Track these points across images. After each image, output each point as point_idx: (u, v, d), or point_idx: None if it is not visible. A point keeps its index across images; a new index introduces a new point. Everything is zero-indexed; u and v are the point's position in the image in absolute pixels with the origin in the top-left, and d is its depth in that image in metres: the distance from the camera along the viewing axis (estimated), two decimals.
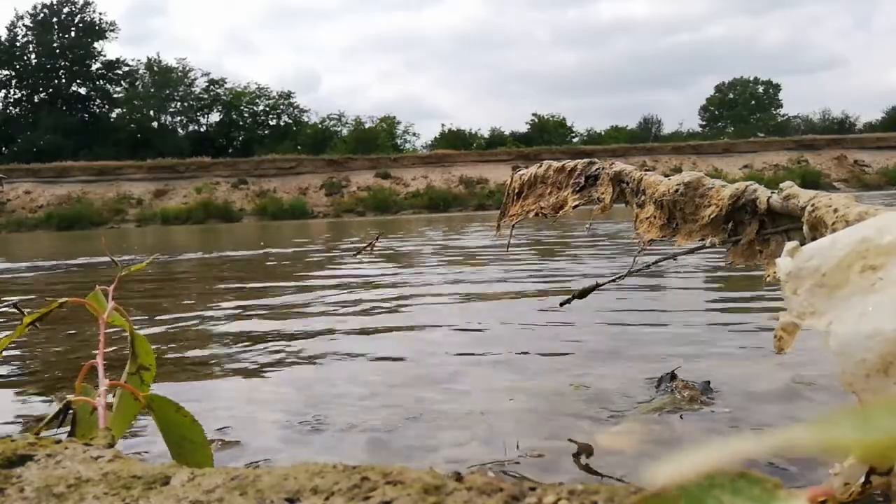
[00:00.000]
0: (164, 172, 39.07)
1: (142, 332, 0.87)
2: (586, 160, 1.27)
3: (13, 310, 2.54)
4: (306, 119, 53.42)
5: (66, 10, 50.45)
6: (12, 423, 1.23)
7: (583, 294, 1.27)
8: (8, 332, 0.83)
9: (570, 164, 1.29)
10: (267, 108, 53.40)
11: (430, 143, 52.04)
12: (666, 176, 1.10)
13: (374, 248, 5.56)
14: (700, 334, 1.73)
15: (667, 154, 40.48)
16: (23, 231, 30.27)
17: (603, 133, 52.23)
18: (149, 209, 35.41)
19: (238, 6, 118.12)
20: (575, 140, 50.45)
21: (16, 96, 50.88)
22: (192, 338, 2.00)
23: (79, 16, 50.82)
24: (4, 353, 0.83)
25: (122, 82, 52.75)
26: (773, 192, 0.92)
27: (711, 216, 0.99)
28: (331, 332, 1.99)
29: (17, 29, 50.29)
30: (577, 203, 1.24)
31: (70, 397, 0.72)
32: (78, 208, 33.79)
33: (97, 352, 0.79)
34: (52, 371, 1.64)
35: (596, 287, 1.26)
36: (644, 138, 49.26)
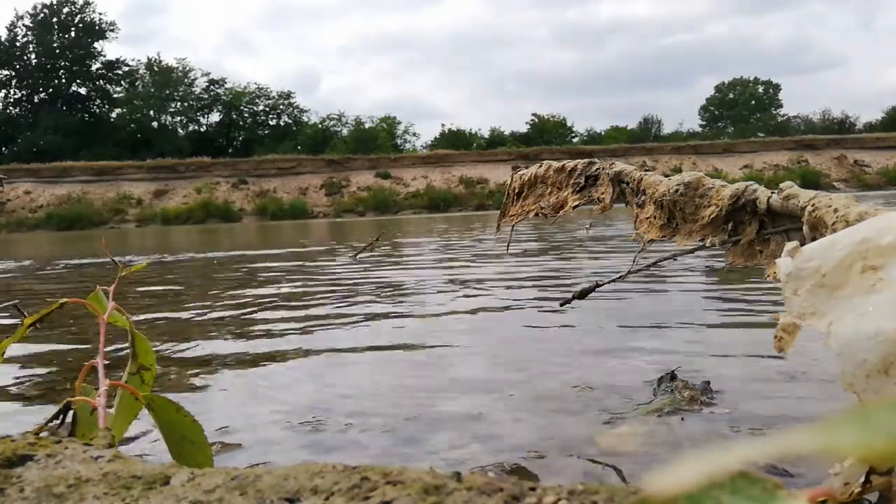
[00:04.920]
0: (164, 172, 39.09)
1: (141, 331, 0.87)
2: (586, 160, 1.27)
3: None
4: (306, 119, 53.51)
5: (66, 10, 50.48)
6: (12, 423, 1.23)
7: (583, 294, 1.27)
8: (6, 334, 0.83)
9: (570, 164, 1.29)
10: (267, 108, 53.45)
11: (430, 143, 52.12)
12: (666, 176, 1.10)
13: (374, 249, 5.56)
14: (700, 334, 1.73)
15: (667, 154, 40.50)
16: (23, 231, 30.27)
17: (603, 133, 52.29)
18: (149, 209, 35.43)
19: (238, 6, 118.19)
20: (575, 140, 50.50)
21: (16, 96, 50.93)
22: (192, 338, 2.00)
23: (79, 16, 50.85)
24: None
25: (122, 82, 52.81)
26: (773, 192, 0.92)
27: (711, 216, 0.99)
28: (331, 332, 1.99)
29: (17, 29, 50.33)
30: (577, 203, 1.24)
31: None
32: (78, 208, 33.82)
33: (98, 352, 0.79)
34: (53, 371, 1.64)
35: (596, 287, 1.26)
36: (644, 138, 49.26)
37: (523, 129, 53.21)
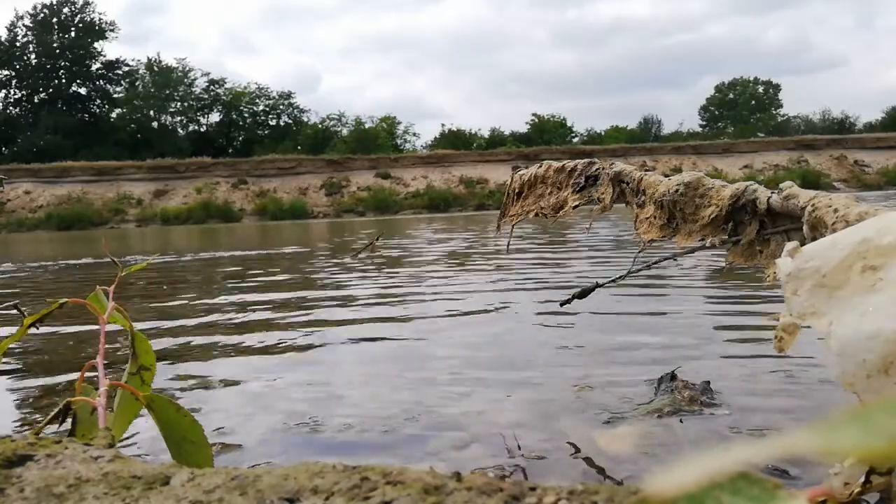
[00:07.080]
0: (164, 172, 39.06)
1: (139, 330, 0.86)
2: (586, 160, 1.27)
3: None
4: (306, 119, 53.45)
5: (66, 10, 50.44)
6: (12, 423, 1.23)
7: (583, 294, 1.27)
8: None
9: (570, 164, 1.29)
10: (267, 108, 53.40)
11: (430, 143, 52.05)
12: (666, 176, 1.10)
13: (374, 250, 5.56)
14: (700, 334, 1.73)
15: (667, 154, 40.46)
16: (23, 231, 30.26)
17: (603, 133, 52.21)
18: (149, 209, 35.39)
19: (237, 6, 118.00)
20: (575, 140, 50.40)
21: (16, 96, 50.88)
22: (192, 338, 2.00)
23: (79, 16, 50.81)
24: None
25: (122, 82, 52.75)
26: (773, 192, 0.92)
27: (711, 216, 0.99)
28: (330, 333, 1.99)
29: (17, 29, 50.28)
30: (577, 203, 1.24)
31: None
32: (78, 208, 33.79)
33: (98, 352, 0.79)
34: (53, 371, 1.64)
35: (596, 287, 1.26)
36: (644, 138, 49.24)
37: (523, 129, 53.14)
